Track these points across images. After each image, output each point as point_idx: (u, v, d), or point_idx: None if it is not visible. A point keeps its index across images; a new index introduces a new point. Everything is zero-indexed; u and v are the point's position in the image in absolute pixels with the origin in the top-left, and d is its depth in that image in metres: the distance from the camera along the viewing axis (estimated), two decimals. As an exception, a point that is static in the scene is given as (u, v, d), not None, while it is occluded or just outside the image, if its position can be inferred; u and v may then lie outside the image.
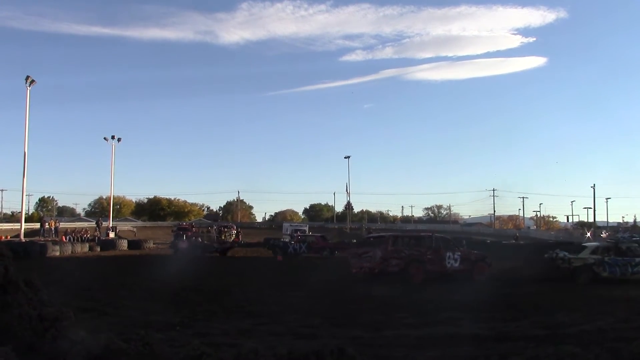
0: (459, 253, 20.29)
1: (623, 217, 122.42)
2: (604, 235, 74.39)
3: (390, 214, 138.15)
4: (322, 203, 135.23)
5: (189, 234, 54.41)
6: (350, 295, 15.23)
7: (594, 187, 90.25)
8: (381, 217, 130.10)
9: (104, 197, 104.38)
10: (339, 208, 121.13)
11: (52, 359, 3.36)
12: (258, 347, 3.10)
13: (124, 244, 41.20)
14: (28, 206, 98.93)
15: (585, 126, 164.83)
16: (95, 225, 58.22)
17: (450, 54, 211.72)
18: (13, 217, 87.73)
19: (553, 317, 11.40)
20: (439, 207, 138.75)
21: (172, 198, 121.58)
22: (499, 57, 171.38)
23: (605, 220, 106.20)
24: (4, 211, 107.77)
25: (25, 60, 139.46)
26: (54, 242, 35.96)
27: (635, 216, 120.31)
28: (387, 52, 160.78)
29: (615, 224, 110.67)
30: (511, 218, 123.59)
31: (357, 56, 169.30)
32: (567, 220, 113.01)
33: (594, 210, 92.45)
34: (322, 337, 8.67)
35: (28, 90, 41.49)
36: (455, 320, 11.03)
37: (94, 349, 3.55)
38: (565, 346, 3.10)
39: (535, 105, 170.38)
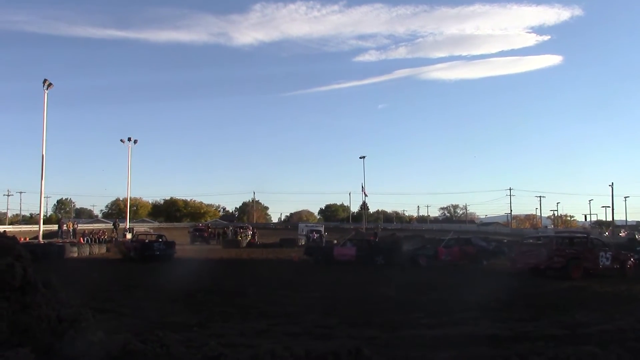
0: (610, 252, 22.20)
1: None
2: (622, 234, 73.59)
3: (407, 213, 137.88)
4: (338, 203, 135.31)
5: (205, 234, 54.84)
6: (366, 296, 15.19)
7: (612, 185, 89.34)
8: (397, 217, 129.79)
9: (121, 199, 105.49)
10: (355, 208, 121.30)
11: (71, 360, 3.37)
12: (275, 348, 3.10)
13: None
14: (46, 208, 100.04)
15: (603, 124, 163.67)
16: (113, 227, 58.67)
17: (464, 53, 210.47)
18: (32, 219, 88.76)
19: (572, 317, 11.28)
20: (455, 206, 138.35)
21: (188, 199, 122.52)
22: (514, 55, 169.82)
23: (624, 219, 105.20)
24: (23, 213, 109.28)
25: (42, 64, 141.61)
26: (72, 244, 36.19)
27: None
28: (401, 52, 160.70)
29: (634, 223, 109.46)
30: (528, 217, 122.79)
31: (370, 56, 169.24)
32: (585, 219, 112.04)
33: (612, 209, 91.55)
34: (339, 338, 8.65)
35: (46, 94, 41.86)
36: (472, 320, 10.96)
37: (112, 350, 3.56)
38: (585, 347, 3.05)
39: (552, 103, 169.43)
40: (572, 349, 3.01)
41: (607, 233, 74.72)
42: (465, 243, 30.28)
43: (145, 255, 29.11)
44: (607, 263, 21.62)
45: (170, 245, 31.79)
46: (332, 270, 24.03)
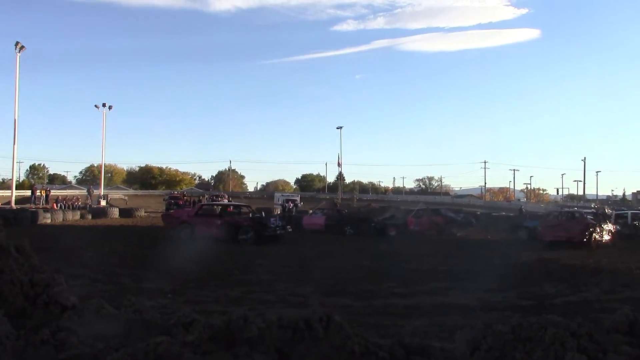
0: (610, 225, 25.02)
1: (612, 190, 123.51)
2: (593, 208, 74.91)
3: (382, 185, 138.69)
4: (314, 173, 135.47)
5: (180, 202, 54.60)
6: (341, 265, 15.36)
7: (584, 160, 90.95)
8: (372, 188, 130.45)
9: (95, 165, 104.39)
10: (331, 179, 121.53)
11: (44, 324, 3.39)
12: (248, 314, 3.14)
13: (115, 212, 41.16)
14: (19, 173, 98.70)
15: (577, 99, 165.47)
16: (87, 193, 58.15)
17: (442, 25, 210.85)
18: (4, 184, 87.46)
19: (540, 288, 11.57)
20: (431, 178, 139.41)
21: (164, 167, 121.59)
22: (492, 28, 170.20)
23: (595, 193, 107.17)
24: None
25: (13, 26, 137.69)
26: (45, 210, 35.87)
27: (624, 189, 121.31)
28: (379, 22, 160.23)
29: (605, 197, 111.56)
30: (502, 190, 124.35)
31: (348, 26, 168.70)
32: (557, 193, 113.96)
33: (584, 183, 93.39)
34: (312, 306, 8.78)
35: (18, 57, 41.00)
36: (443, 290, 11.20)
37: (85, 315, 3.59)
38: (548, 315, 3.16)
39: (528, 77, 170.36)
40: (535, 318, 3.11)
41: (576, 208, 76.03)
42: (434, 214, 30.95)
43: (263, 236, 21.66)
44: (608, 235, 23.80)
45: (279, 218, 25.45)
46: (306, 239, 24.16)
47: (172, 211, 32.87)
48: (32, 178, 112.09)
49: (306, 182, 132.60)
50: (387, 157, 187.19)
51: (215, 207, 27.68)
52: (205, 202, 34.00)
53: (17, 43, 40.81)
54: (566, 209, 35.71)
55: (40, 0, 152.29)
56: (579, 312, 8.24)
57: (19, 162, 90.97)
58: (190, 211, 25.44)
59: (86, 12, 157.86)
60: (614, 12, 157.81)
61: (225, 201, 57.05)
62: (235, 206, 28.61)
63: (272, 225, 22.57)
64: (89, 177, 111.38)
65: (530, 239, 25.25)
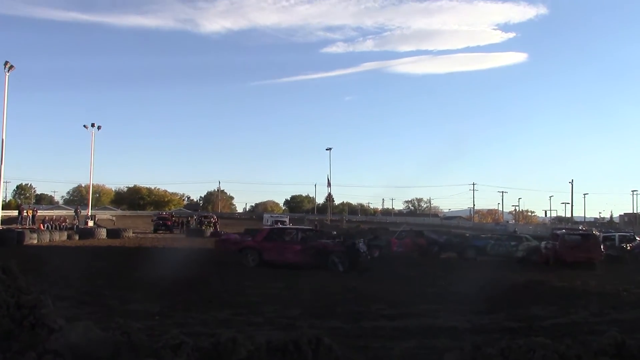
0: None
1: (600, 212, 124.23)
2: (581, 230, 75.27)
3: (371, 206, 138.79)
4: (303, 194, 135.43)
5: (169, 223, 54.31)
6: (330, 287, 15.30)
7: (572, 182, 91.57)
8: (362, 210, 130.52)
9: (83, 185, 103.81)
10: (320, 200, 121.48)
11: (30, 347, 3.36)
12: (237, 336, 3.13)
13: (102, 233, 40.79)
14: (5, 193, 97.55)
15: (565, 121, 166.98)
16: (74, 214, 57.82)
17: (431, 48, 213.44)
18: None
19: (529, 310, 11.58)
20: (419, 200, 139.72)
21: (152, 187, 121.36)
22: (479, 52, 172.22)
23: (583, 215, 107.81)
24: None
25: (2, 45, 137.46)
26: (32, 230, 35.48)
27: (611, 212, 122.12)
28: (368, 45, 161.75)
29: (592, 219, 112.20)
30: (490, 212, 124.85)
31: (338, 48, 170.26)
32: (545, 215, 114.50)
33: (572, 206, 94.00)
34: (301, 328, 8.72)
35: (7, 76, 40.97)
36: (432, 312, 11.18)
37: (72, 337, 3.56)
38: (537, 338, 3.17)
39: (515, 101, 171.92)
40: (524, 340, 3.12)
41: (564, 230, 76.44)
42: (417, 235, 31.15)
43: (358, 263, 20.17)
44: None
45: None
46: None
47: (227, 236, 30.06)
48: (19, 198, 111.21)
49: (295, 203, 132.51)
50: (376, 178, 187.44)
51: (287, 231, 25.27)
52: (271, 226, 30.67)
53: (6, 62, 40.79)
54: (581, 230, 38.43)
55: (29, 19, 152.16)
56: (567, 334, 8.25)
57: (6, 182, 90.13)
58: (258, 235, 23.28)
59: (76, 32, 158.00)
60: (601, 35, 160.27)
61: (212, 222, 56.93)
62: (301, 229, 25.67)
63: (362, 251, 21.17)
64: (77, 197, 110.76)
65: (477, 257, 28.20)
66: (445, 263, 25.68)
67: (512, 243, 29.82)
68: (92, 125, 59.35)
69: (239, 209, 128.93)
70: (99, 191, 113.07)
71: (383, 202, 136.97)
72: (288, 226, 34.20)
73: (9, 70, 41.02)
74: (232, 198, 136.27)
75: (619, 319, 10.60)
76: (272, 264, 20.16)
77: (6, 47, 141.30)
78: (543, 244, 27.46)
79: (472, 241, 31.99)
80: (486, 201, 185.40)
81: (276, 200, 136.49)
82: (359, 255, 20.39)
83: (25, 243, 29.93)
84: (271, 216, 68.84)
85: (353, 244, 21.30)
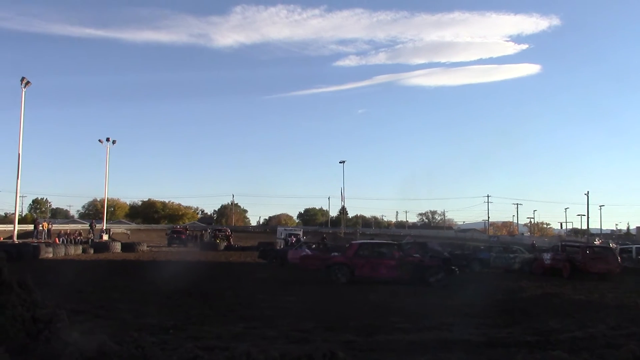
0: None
1: (617, 224, 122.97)
2: (597, 242, 74.68)
3: (385, 219, 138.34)
4: (317, 207, 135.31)
5: (183, 237, 54.53)
6: (344, 299, 15.23)
7: (587, 194, 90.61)
8: (375, 222, 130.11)
9: (98, 199, 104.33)
10: (334, 213, 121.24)
11: (45, 361, 3.37)
12: (251, 350, 3.12)
13: (117, 247, 41.06)
14: (22, 207, 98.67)
15: (580, 133, 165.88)
16: (89, 228, 58.14)
17: (443, 60, 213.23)
18: (6, 219, 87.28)
19: (546, 324, 11.44)
20: (434, 212, 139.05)
21: (167, 201, 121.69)
22: (492, 63, 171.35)
23: (599, 227, 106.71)
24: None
25: (19, 62, 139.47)
26: (47, 244, 35.76)
27: (628, 223, 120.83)
28: (381, 58, 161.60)
29: (609, 231, 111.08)
30: (505, 224, 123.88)
31: (350, 61, 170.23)
32: (561, 227, 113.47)
33: (587, 218, 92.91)
34: (315, 341, 8.68)
35: (23, 92, 41.48)
36: (447, 325, 11.07)
37: (86, 351, 3.57)
38: (554, 352, 3.13)
39: (529, 112, 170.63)
40: (541, 354, 3.08)
41: (597, 241, 76.01)
42: (421, 247, 31.20)
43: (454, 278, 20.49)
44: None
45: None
46: (296, 273, 24.03)
47: (314, 253, 29.81)
48: (35, 212, 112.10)
49: (309, 216, 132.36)
50: (390, 191, 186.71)
51: (375, 246, 24.03)
52: (358, 241, 29.53)
53: (22, 78, 41.31)
54: (599, 243, 39.48)
55: (46, 36, 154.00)
56: (584, 348, 8.13)
57: (22, 197, 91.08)
58: (347, 251, 22.34)
59: (91, 48, 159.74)
60: (615, 46, 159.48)
61: (226, 235, 57.01)
62: (390, 244, 24.91)
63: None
64: (92, 211, 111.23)
65: (481, 270, 29.31)
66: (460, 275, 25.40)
67: (511, 255, 32.43)
68: (107, 139, 59.92)
69: (253, 222, 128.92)
70: (113, 205, 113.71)
71: (397, 214, 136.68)
72: (377, 241, 33.66)
73: (25, 86, 41.53)
74: (245, 211, 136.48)
75: (637, 333, 10.42)
76: (365, 280, 19.95)
77: (23, 64, 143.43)
78: (547, 255, 28.03)
79: (476, 254, 33.65)
80: (501, 213, 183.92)
81: (290, 214, 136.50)
82: (454, 270, 20.55)
83: (40, 257, 30.18)
84: (285, 229, 68.72)
85: (448, 259, 21.62)
